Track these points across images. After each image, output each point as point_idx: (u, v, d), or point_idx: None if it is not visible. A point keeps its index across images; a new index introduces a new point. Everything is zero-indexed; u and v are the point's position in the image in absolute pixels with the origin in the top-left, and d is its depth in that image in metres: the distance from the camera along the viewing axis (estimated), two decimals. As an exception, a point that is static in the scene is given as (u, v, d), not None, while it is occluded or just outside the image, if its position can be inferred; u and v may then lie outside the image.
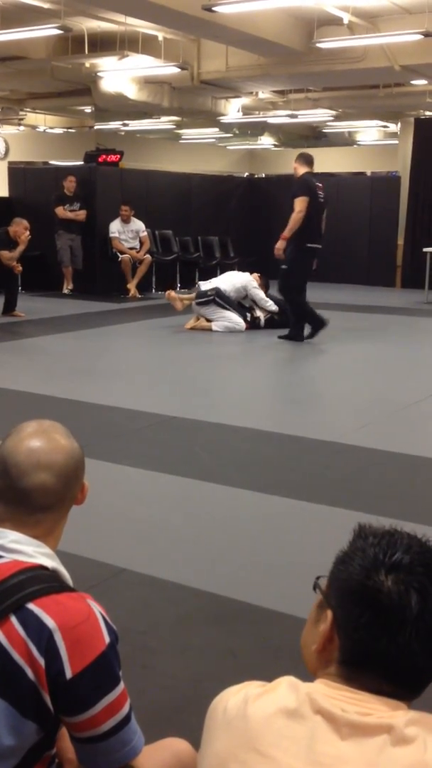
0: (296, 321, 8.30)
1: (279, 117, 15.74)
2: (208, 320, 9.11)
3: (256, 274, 9.35)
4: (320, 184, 8.05)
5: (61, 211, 11.62)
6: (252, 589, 2.96)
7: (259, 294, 9.16)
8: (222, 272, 10.74)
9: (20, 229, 9.70)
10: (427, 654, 1.05)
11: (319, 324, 8.22)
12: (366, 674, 1.06)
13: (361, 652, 1.05)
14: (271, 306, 9.10)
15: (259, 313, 9.20)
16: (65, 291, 11.91)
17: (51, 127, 17.84)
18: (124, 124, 17.44)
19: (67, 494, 1.43)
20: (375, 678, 1.06)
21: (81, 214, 11.73)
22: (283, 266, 8.05)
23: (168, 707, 2.23)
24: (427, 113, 14.62)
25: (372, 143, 19.19)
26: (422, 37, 9.24)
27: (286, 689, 1.06)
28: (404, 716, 1.03)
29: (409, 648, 1.03)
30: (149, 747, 1.38)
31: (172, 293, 9.69)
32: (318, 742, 1.00)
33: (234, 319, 9.04)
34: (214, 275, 10.54)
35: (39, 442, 1.41)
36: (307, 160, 8.13)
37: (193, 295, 9.35)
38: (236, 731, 1.04)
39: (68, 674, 1.25)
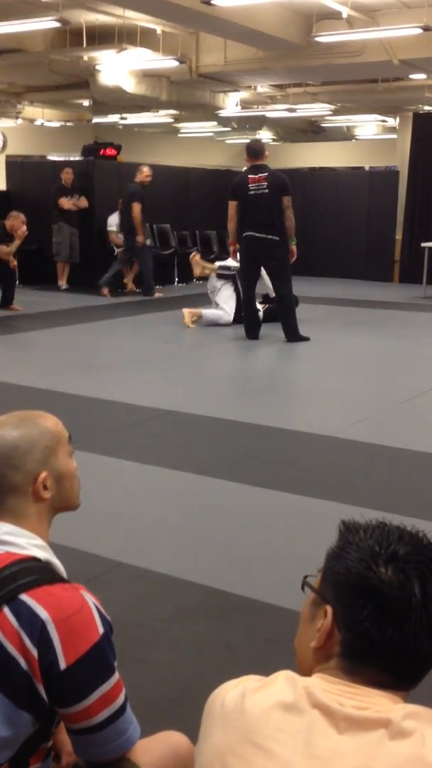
0: (291, 316, 8.12)
1: (277, 111, 15.72)
2: (211, 293, 9.16)
3: None
4: (256, 176, 7.53)
5: (65, 203, 11.57)
6: (248, 582, 2.96)
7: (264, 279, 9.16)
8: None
9: (17, 223, 9.65)
10: (431, 641, 1.06)
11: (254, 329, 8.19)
12: (368, 666, 1.06)
13: (366, 643, 1.06)
14: (271, 289, 9.04)
15: (258, 307, 9.18)
16: (62, 286, 11.84)
17: (49, 121, 17.80)
18: (122, 118, 17.40)
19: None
20: (377, 669, 1.06)
21: (83, 201, 11.69)
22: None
23: (165, 700, 2.23)
24: (426, 108, 14.59)
25: (370, 138, 19.17)
26: (421, 31, 9.22)
27: (284, 683, 1.06)
28: (402, 710, 1.03)
29: (415, 636, 1.04)
30: (146, 740, 1.38)
31: (197, 256, 9.72)
32: (315, 736, 1.00)
33: (228, 309, 9.00)
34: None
35: None
36: (249, 150, 7.64)
37: (216, 266, 9.40)
38: (234, 725, 1.04)
39: (62, 665, 1.25)
